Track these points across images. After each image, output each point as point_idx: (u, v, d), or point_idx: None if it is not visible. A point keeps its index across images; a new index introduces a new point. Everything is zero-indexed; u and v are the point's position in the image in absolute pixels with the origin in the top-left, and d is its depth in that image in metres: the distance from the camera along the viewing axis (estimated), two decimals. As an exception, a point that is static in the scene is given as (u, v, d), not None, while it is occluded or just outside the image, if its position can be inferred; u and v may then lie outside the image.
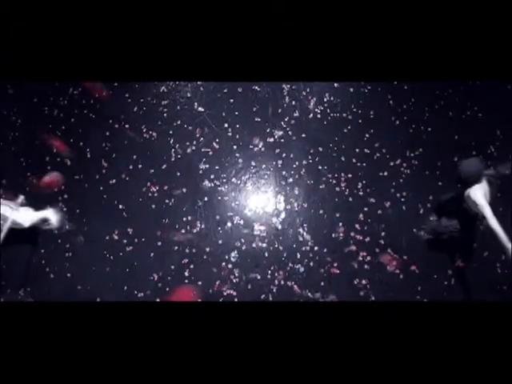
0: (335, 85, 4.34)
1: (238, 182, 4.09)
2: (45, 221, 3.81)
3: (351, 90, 4.32)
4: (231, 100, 4.29)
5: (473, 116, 4.21)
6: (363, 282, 3.78)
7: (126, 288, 3.79)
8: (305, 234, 3.92)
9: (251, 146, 4.17)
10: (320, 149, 4.15)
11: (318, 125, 4.22)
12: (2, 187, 3.57)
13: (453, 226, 3.47)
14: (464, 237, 3.66)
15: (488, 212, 2.95)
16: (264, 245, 3.90)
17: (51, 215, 3.86)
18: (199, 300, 3.73)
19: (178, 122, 4.23)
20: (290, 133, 4.19)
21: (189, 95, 4.31)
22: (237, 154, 4.15)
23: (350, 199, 4.00)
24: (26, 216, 3.57)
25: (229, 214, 3.99)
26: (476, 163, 3.02)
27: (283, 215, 3.99)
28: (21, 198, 3.60)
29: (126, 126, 4.21)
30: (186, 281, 3.80)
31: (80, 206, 3.99)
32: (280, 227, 3.96)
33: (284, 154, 4.14)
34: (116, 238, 3.92)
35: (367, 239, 3.89)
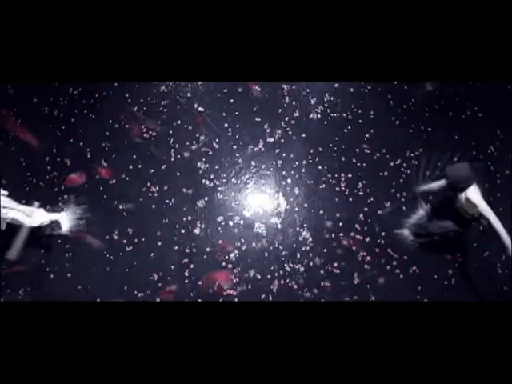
0: (335, 85, 4.34)
1: (238, 181, 4.09)
2: (53, 223, 3.80)
3: (351, 89, 4.32)
4: (231, 100, 4.29)
5: (473, 116, 4.21)
6: (363, 281, 3.78)
7: (125, 288, 3.79)
8: (305, 233, 3.92)
9: (251, 146, 4.17)
10: (320, 149, 4.15)
11: (318, 125, 4.22)
12: (1, 187, 3.57)
13: (448, 227, 3.48)
14: (461, 237, 3.66)
15: (490, 213, 2.98)
16: (264, 245, 3.90)
17: (63, 219, 3.86)
18: (199, 300, 3.73)
19: (178, 122, 4.23)
20: (290, 133, 4.19)
21: (189, 95, 4.31)
22: (237, 154, 4.15)
23: (350, 199, 4.01)
24: (37, 217, 3.60)
25: (229, 214, 3.99)
26: (464, 167, 3.04)
27: (283, 215, 3.99)
28: (36, 204, 3.62)
29: (126, 126, 4.21)
30: (186, 281, 3.80)
31: (80, 206, 3.98)
32: (280, 227, 3.96)
33: (284, 154, 4.14)
34: (116, 238, 3.92)
35: (367, 239, 3.89)
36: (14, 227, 3.56)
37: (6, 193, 3.38)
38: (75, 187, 4.03)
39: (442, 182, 3.32)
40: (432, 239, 3.72)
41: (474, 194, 3.04)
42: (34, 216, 3.56)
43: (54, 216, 3.79)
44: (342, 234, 3.91)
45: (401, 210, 3.96)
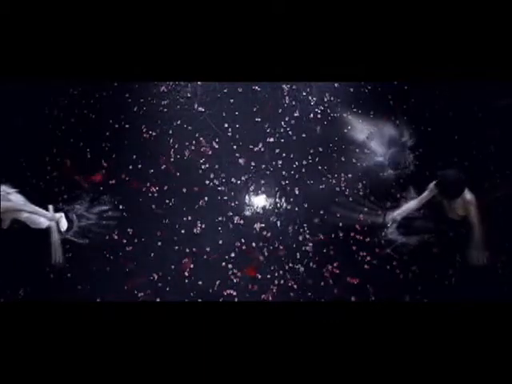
0: (335, 85, 4.34)
1: (238, 182, 4.09)
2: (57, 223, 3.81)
3: (351, 89, 4.32)
4: (231, 100, 4.29)
5: (473, 116, 4.21)
6: (363, 281, 3.78)
7: (125, 288, 3.79)
8: (305, 233, 3.92)
9: (251, 146, 4.17)
10: (320, 149, 4.15)
11: (318, 125, 4.22)
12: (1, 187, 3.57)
13: (436, 227, 3.51)
14: (459, 237, 3.68)
15: (477, 223, 3.13)
16: (264, 244, 3.90)
17: (62, 220, 3.85)
18: (199, 300, 3.73)
19: (178, 122, 4.23)
20: (290, 133, 4.19)
21: (189, 95, 4.31)
22: (237, 154, 4.15)
23: (350, 199, 4.01)
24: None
25: (229, 214, 3.99)
26: (455, 173, 3.08)
27: (283, 215, 3.99)
28: (50, 208, 3.63)
29: (126, 126, 4.21)
30: (186, 281, 3.80)
31: (80, 206, 3.98)
32: (280, 227, 3.96)
33: (284, 154, 4.14)
34: (116, 237, 3.92)
35: (367, 239, 3.89)
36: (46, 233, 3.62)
37: (11, 190, 3.40)
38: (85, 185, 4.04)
39: (425, 194, 3.33)
40: (423, 240, 3.73)
41: (471, 198, 3.12)
42: (56, 219, 3.63)
43: (57, 215, 3.79)
44: (341, 234, 3.91)
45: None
